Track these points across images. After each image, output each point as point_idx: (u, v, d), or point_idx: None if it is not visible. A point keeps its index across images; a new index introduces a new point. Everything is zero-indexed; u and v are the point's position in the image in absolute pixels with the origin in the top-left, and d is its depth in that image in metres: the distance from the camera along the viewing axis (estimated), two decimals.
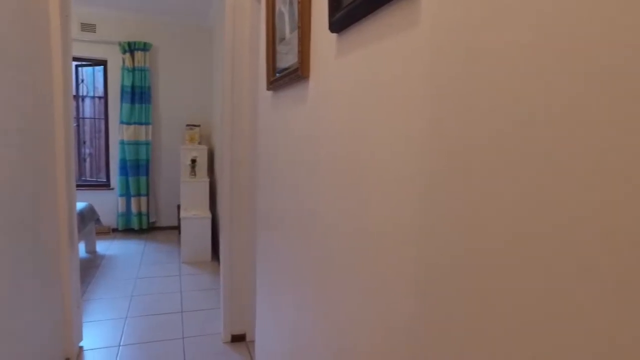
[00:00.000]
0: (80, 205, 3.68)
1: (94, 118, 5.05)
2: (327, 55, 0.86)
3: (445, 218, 0.51)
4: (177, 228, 5.01)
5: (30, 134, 1.73)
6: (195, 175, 4.20)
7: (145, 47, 4.70)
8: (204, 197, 4.15)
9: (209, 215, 3.96)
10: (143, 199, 4.82)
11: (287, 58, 1.09)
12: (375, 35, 0.67)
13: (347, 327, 0.80)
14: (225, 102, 2.39)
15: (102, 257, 4.05)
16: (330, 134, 0.86)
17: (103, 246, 4.36)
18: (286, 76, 1.08)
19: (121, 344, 2.53)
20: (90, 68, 4.96)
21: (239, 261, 2.53)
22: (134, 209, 4.77)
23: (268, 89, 1.27)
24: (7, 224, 1.48)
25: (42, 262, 1.92)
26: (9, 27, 1.52)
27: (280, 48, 1.18)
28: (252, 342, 2.58)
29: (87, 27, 4.62)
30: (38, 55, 1.83)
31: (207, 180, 4.17)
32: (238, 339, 2.59)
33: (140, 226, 4.83)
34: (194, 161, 4.17)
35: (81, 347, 2.47)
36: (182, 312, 2.95)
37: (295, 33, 1.02)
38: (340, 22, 0.77)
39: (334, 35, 0.84)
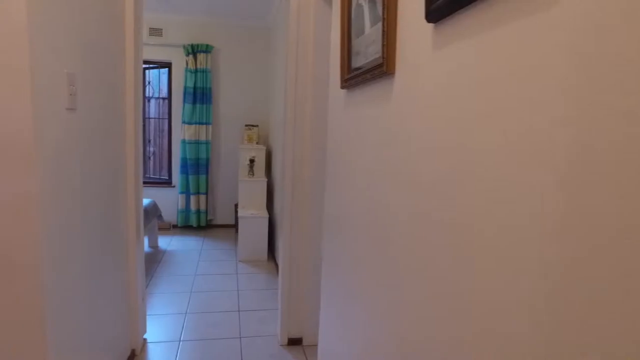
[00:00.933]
0: (145, 201, 3.84)
1: (158, 118, 5.28)
2: (420, 48, 0.78)
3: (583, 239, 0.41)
4: (234, 226, 5.11)
5: (109, 134, 1.79)
6: (253, 174, 4.25)
7: (207, 49, 4.84)
8: (262, 196, 4.19)
9: (266, 214, 3.99)
10: (202, 197, 4.95)
11: (367, 53, 1.02)
12: (492, 22, 0.58)
13: (423, 338, 0.72)
14: (288, 102, 2.36)
15: (164, 252, 4.20)
16: (421, 136, 0.78)
17: (164, 241, 4.53)
18: (365, 73, 1.01)
19: (181, 339, 2.58)
20: (156, 70, 5.18)
21: (299, 263, 2.50)
22: (193, 206, 4.92)
23: (342, 87, 1.21)
24: (93, 218, 1.54)
25: (115, 256, 1.99)
26: (98, 35, 1.58)
27: (357, 44, 1.11)
28: (309, 346, 2.54)
29: (155, 32, 4.83)
30: (115, 60, 1.90)
31: (264, 180, 4.20)
32: (295, 342, 2.56)
33: (198, 223, 4.98)
34: (252, 161, 4.21)
35: (145, 339, 2.55)
36: (239, 311, 2.97)
37: (378, 26, 0.95)
38: (440, 10, 0.69)
39: (430, 25, 0.75)
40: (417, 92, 0.80)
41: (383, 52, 0.90)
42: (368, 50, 1.01)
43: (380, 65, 0.90)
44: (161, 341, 2.56)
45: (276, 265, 3.86)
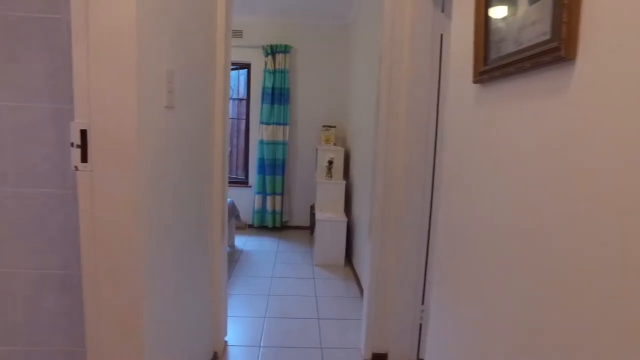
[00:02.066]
0: None
1: (236, 118, 5.36)
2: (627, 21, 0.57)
3: None
4: (309, 228, 5.04)
5: (200, 133, 1.75)
6: (331, 176, 4.13)
7: (286, 49, 4.81)
8: (340, 199, 4.06)
9: (344, 218, 3.85)
10: (278, 198, 4.94)
11: (521, 38, 0.82)
12: None
13: None
14: (380, 102, 2.19)
15: (240, 251, 4.23)
16: (620, 141, 0.57)
17: (240, 241, 4.57)
18: (519, 62, 0.81)
19: (262, 344, 2.51)
20: (235, 71, 5.27)
21: (387, 273, 2.31)
22: (269, 206, 4.92)
23: (475, 81, 1.02)
24: (185, 219, 1.49)
25: (202, 256, 1.96)
26: (193, 35, 1.52)
27: (501, 29, 0.91)
28: None
29: (236, 34, 4.90)
30: (206, 60, 1.85)
31: (343, 182, 4.07)
32: (379, 358, 2.38)
33: (273, 224, 4.97)
34: (331, 162, 4.10)
35: (226, 342, 2.52)
36: (318, 318, 2.85)
37: (545, 1, 0.74)
38: None
39: None
40: (617, 86, 0.59)
41: (557, 32, 0.70)
42: (523, 34, 0.81)
43: (552, 50, 0.70)
44: (241, 345, 2.51)
45: (353, 271, 3.70)
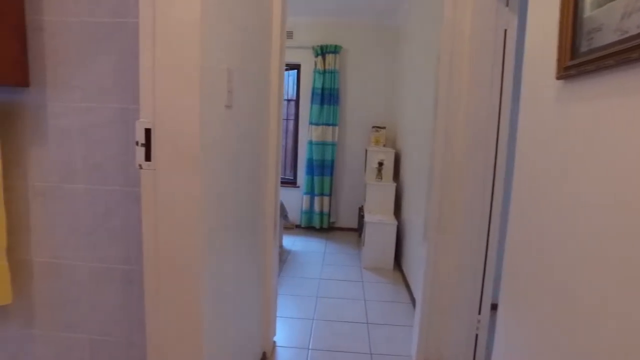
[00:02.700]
0: None
1: (285, 119, 5.40)
2: None
3: None
4: (356, 230, 4.98)
5: (255, 134, 1.75)
6: (381, 178, 4.05)
7: (336, 49, 4.78)
8: (390, 201, 3.96)
9: (394, 221, 3.76)
10: (326, 199, 4.92)
11: (625, 26, 0.72)
12: None
13: None
14: (439, 103, 2.10)
15: (288, 252, 4.24)
16: None
17: (288, 241, 4.59)
18: (622, 53, 0.72)
19: (310, 347, 2.49)
20: (285, 72, 5.31)
21: (442, 280, 2.21)
22: (316, 207, 4.91)
23: (559, 77, 0.92)
24: (241, 218, 1.49)
25: (255, 255, 1.96)
26: (250, 34, 1.52)
27: (596, 17, 0.81)
28: None
29: (286, 35, 4.94)
30: (262, 60, 1.85)
31: (393, 184, 3.97)
32: None
33: (321, 225, 4.96)
34: (381, 164, 4.02)
35: (274, 342, 2.51)
36: (367, 323, 2.79)
37: None
38: None
39: None
40: None
41: None
42: (627, 22, 0.71)
43: None
44: (290, 346, 2.50)
45: (403, 276, 3.60)
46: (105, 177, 1.39)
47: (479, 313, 2.19)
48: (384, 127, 4.56)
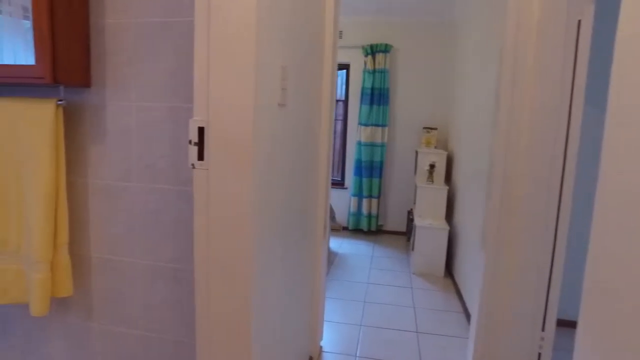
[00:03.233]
0: None
1: (334, 119, 5.36)
2: None
3: None
4: (405, 234, 4.84)
5: (308, 133, 1.71)
6: (432, 181, 3.90)
7: (386, 48, 4.68)
8: (441, 206, 3.80)
9: (446, 226, 3.60)
10: (374, 201, 4.82)
11: None
12: None
13: None
14: (501, 102, 1.95)
15: (335, 254, 4.19)
16: None
17: (335, 243, 4.53)
18: None
19: (357, 354, 2.42)
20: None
21: (503, 292, 2.06)
22: (364, 209, 4.83)
23: None
24: (293, 220, 1.46)
25: (305, 257, 1.92)
26: (303, 32, 1.48)
27: None
28: None
29: None
30: (315, 59, 1.81)
31: (445, 187, 3.81)
32: None
33: (369, 227, 4.86)
34: (432, 166, 3.87)
35: (321, 347, 2.47)
36: (417, 332, 2.67)
37: None
38: None
39: None
40: None
41: None
42: None
43: None
44: (337, 352, 2.44)
45: (454, 283, 3.44)
46: (158, 175, 1.41)
47: (543, 330, 2.02)
48: (435, 128, 4.39)
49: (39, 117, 1.36)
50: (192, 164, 1.03)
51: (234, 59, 0.97)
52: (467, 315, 2.82)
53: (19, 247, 1.47)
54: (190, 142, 1.02)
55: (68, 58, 1.34)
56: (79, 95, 1.46)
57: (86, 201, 1.50)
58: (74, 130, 1.48)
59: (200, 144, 1.01)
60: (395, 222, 4.97)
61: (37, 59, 1.29)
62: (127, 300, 1.52)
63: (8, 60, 1.44)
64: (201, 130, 1.01)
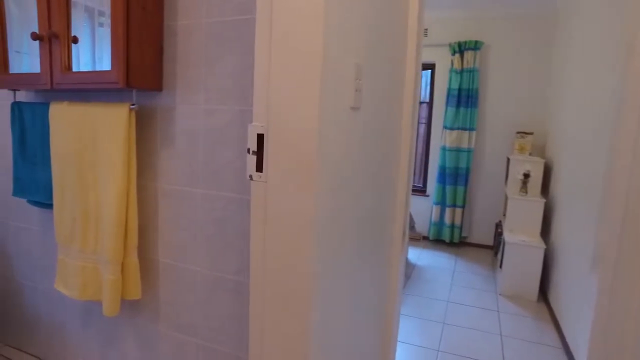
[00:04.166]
0: None
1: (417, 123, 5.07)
2: None
3: None
4: (492, 248, 4.41)
5: (385, 139, 1.54)
6: (526, 192, 3.47)
7: (476, 46, 4.29)
8: (536, 220, 3.37)
9: (541, 244, 3.17)
10: (458, 211, 4.46)
11: None
12: None
13: None
14: (627, 103, 1.60)
15: (413, 266, 3.93)
16: None
17: (414, 254, 4.27)
18: None
19: None
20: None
21: (622, 328, 1.70)
22: (447, 219, 4.48)
23: None
24: (364, 232, 1.31)
25: (378, 271, 1.75)
26: (382, 27, 1.32)
27: None
28: None
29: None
30: (396, 58, 1.63)
31: (542, 200, 3.36)
32: None
33: (451, 239, 4.51)
34: (526, 175, 3.44)
35: None
36: None
37: None
38: None
39: None
40: None
41: None
42: None
43: None
44: None
45: (550, 310, 3.00)
46: (223, 182, 1.34)
47: None
48: (531, 133, 3.92)
49: (113, 122, 1.37)
50: (250, 175, 0.92)
51: (298, 53, 0.84)
52: (567, 351, 2.42)
53: (96, 247, 1.50)
54: (248, 150, 0.91)
55: (141, 63, 1.32)
56: (150, 99, 1.45)
57: (155, 205, 1.49)
58: (145, 134, 1.47)
59: (260, 153, 0.90)
60: (480, 234, 4.54)
61: (112, 64, 1.29)
62: (190, 308, 1.48)
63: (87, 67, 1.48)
64: (260, 138, 0.90)
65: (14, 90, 1.69)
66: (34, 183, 1.65)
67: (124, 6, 1.25)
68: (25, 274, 1.95)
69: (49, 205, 1.64)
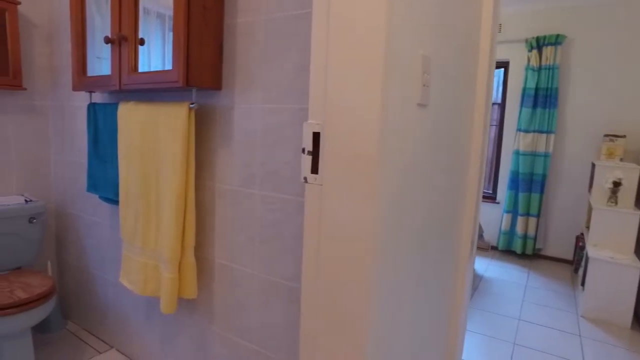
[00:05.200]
0: None
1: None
2: None
3: None
4: (571, 263, 4.00)
5: (454, 140, 1.40)
6: (616, 202, 3.09)
7: (557, 40, 3.92)
8: (629, 235, 2.98)
9: (636, 263, 2.79)
10: (531, 220, 4.10)
11: None
12: None
13: None
14: None
15: (480, 277, 3.66)
16: None
17: (481, 264, 3.98)
18: None
19: None
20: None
21: None
22: (519, 229, 4.14)
23: None
24: (429, 244, 1.20)
25: (443, 283, 1.61)
26: (452, 18, 1.19)
27: None
28: None
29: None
30: (469, 57, 1.49)
31: (636, 212, 2.97)
32: None
33: (523, 250, 4.16)
34: (617, 184, 3.06)
35: None
36: None
37: None
38: None
39: None
40: None
41: None
42: None
43: None
44: None
45: None
46: (280, 184, 1.29)
47: None
48: (622, 136, 3.49)
49: (173, 121, 1.37)
50: (305, 178, 0.85)
51: (358, 43, 0.76)
52: None
53: (156, 246, 1.52)
54: (303, 150, 0.84)
55: (201, 61, 1.31)
56: (210, 98, 1.44)
57: (212, 205, 1.48)
58: (204, 133, 1.47)
59: (315, 153, 0.83)
60: (558, 246, 4.14)
61: (172, 64, 1.29)
62: (244, 312, 1.45)
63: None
64: (316, 137, 0.82)
65: (90, 92, 1.77)
66: (104, 180, 1.73)
67: (185, 5, 1.25)
68: (96, 265, 2.05)
69: (117, 202, 1.70)
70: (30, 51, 2.08)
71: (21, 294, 1.63)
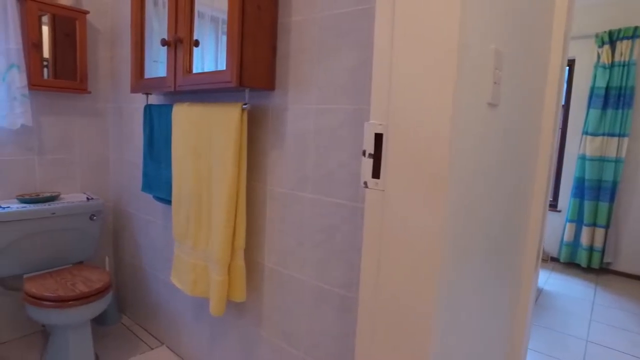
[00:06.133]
0: None
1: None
2: None
3: None
4: None
5: (522, 143, 1.28)
6: None
7: (634, 33, 3.58)
8: None
9: None
10: (599, 231, 3.77)
11: None
12: None
13: None
14: None
15: (540, 291, 3.41)
16: None
17: (541, 276, 3.72)
18: None
19: None
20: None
21: None
22: (584, 240, 3.82)
23: None
24: (492, 253, 1.10)
25: (506, 297, 1.48)
26: (523, 13, 1.08)
27: None
28: None
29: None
30: (539, 55, 1.36)
31: None
32: None
33: (588, 263, 3.84)
34: None
35: None
36: None
37: None
38: None
39: None
40: None
41: None
42: None
43: None
44: None
45: None
46: (334, 187, 1.23)
47: None
48: None
49: (226, 122, 1.36)
50: (365, 182, 0.79)
51: (427, 36, 0.69)
52: None
53: (206, 247, 1.52)
54: (364, 153, 0.78)
55: (254, 62, 1.29)
56: (263, 99, 1.41)
57: (263, 208, 1.45)
58: (256, 134, 1.44)
59: (377, 156, 0.76)
60: (631, 261, 3.78)
61: (226, 64, 1.28)
62: (293, 318, 1.41)
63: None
64: (379, 138, 0.76)
65: (147, 94, 1.81)
66: (158, 180, 1.75)
67: (240, 5, 1.23)
68: (150, 263, 2.10)
69: (170, 202, 1.73)
70: (95, 56, 2.17)
71: (82, 288, 1.69)
